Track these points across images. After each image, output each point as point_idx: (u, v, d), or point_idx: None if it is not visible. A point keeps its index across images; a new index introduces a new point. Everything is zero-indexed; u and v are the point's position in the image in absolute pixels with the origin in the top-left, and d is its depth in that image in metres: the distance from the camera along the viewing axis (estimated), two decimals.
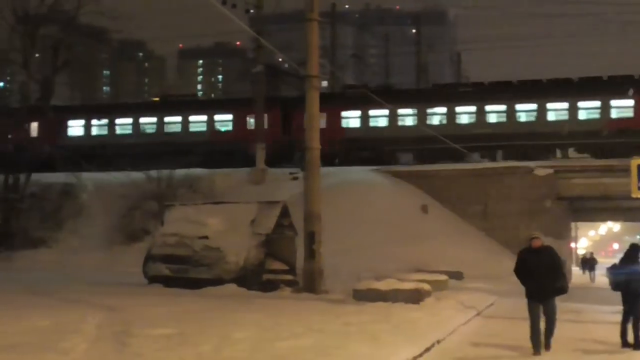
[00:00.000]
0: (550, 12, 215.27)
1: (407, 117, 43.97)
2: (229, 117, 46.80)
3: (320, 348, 12.01)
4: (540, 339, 13.38)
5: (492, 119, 42.83)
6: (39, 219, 41.47)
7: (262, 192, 37.06)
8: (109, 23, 45.05)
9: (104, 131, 48.19)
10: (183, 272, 23.66)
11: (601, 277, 45.12)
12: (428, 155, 41.87)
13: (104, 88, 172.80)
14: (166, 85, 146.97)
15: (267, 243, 23.38)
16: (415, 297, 18.82)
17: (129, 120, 48.15)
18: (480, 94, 43.08)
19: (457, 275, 28.78)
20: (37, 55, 47.29)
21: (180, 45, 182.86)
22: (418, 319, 15.98)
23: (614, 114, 40.77)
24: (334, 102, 43.59)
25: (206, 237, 23.67)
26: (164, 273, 24.07)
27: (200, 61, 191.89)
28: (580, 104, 41.24)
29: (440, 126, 42.31)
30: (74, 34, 45.62)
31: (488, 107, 42.56)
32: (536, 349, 13.29)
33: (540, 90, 42.48)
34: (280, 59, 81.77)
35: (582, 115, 41.20)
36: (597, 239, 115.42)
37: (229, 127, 46.65)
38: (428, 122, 42.89)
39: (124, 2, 45.50)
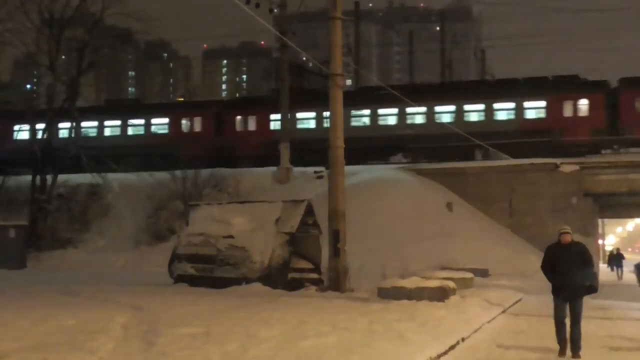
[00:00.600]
0: (578, 7, 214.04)
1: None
2: (165, 120, 48.09)
3: (346, 346, 12.02)
4: (567, 340, 12.84)
5: (415, 120, 44.15)
6: (66, 219, 41.84)
7: (286, 191, 37.13)
8: (134, 24, 45.39)
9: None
10: (208, 272, 23.74)
11: (629, 274, 44.90)
12: (356, 155, 42.23)
13: (130, 89, 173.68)
14: (191, 85, 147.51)
15: (292, 242, 23.40)
16: (440, 294, 18.78)
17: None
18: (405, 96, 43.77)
19: (482, 273, 28.68)
20: (63, 57, 47.61)
21: (205, 45, 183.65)
22: (443, 317, 15.95)
23: (527, 115, 42.51)
24: (265, 105, 45.85)
25: (231, 237, 23.72)
26: (190, 272, 24.17)
27: (225, 61, 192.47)
28: (496, 105, 42.58)
29: (365, 127, 44.05)
30: (99, 36, 45.93)
31: (409, 110, 43.27)
32: (562, 350, 12.84)
33: (459, 92, 43.91)
34: (304, 58, 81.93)
35: (498, 116, 42.67)
36: (624, 236, 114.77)
37: (165, 130, 47.88)
38: (355, 123, 44.08)
39: (149, 3, 45.67)
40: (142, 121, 48.85)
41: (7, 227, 37.77)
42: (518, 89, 42.23)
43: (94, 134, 48.98)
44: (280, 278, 22.95)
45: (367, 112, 45.01)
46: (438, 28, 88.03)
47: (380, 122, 44.90)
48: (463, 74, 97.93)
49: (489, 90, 42.76)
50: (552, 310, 13.19)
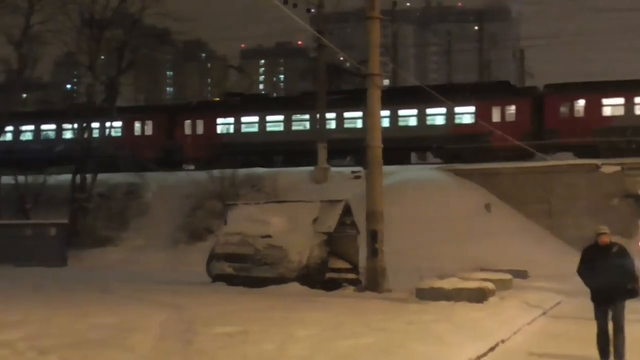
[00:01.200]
0: (618, 7, 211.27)
1: (277, 123, 46.47)
2: (119, 124, 48.41)
3: (383, 347, 12.00)
4: (609, 347, 12.05)
5: (349, 124, 44.97)
6: (105, 218, 42.17)
7: (324, 191, 37.12)
8: (172, 25, 45.65)
9: None
10: (246, 271, 23.79)
11: None
12: (296, 159, 43.83)
13: (168, 89, 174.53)
14: (229, 85, 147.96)
15: (329, 242, 23.39)
16: (478, 296, 18.68)
17: None
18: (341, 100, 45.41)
19: (521, 274, 28.45)
20: (102, 57, 48.00)
21: (242, 45, 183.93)
22: (482, 318, 15.85)
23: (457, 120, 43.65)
24: (212, 110, 47.44)
25: (269, 236, 23.76)
26: (227, 272, 24.23)
27: (262, 61, 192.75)
28: (429, 110, 43.37)
29: (305, 131, 45.07)
30: (138, 36, 46.24)
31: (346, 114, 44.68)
32: (603, 358, 12.09)
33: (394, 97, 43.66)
34: (341, 58, 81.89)
35: (430, 121, 43.66)
36: None
37: (119, 133, 48.32)
38: (295, 127, 45.70)
39: (187, 3, 45.95)
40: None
41: (48, 226, 38.18)
42: (450, 95, 41.78)
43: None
44: (318, 278, 22.95)
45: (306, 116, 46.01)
46: (476, 28, 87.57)
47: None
48: (501, 74, 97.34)
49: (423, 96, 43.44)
50: (593, 314, 12.40)
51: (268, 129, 46.21)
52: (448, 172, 40.63)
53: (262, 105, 47.97)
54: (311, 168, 41.72)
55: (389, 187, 28.26)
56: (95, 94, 45.98)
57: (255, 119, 46.41)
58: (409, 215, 35.22)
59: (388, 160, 39.95)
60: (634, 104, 41.62)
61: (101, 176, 42.68)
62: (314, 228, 23.47)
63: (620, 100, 41.83)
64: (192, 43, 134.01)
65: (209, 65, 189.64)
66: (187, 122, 47.60)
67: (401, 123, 43.52)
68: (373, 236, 22.71)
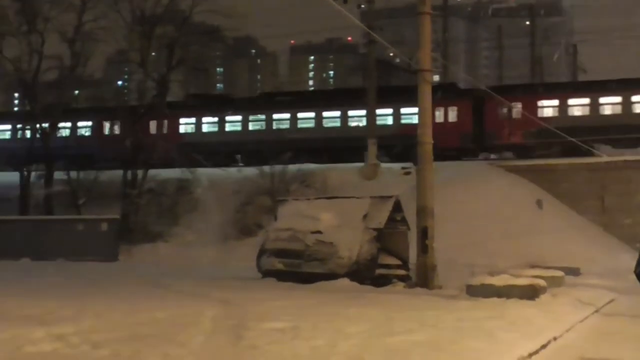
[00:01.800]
0: None
1: (236, 123, 48.33)
2: (89, 123, 49.96)
3: (434, 343, 11.93)
4: None
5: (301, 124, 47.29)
6: (156, 213, 42.48)
7: (374, 187, 37.03)
8: (222, 21, 45.87)
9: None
10: (296, 267, 23.82)
11: None
12: (253, 157, 44.09)
13: (218, 85, 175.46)
14: (278, 82, 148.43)
15: (379, 238, 23.35)
16: (530, 293, 18.51)
17: None
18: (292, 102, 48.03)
19: (573, 272, 28.16)
20: (153, 54, 48.39)
21: (292, 41, 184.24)
22: (533, 315, 15.71)
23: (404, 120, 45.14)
24: (174, 109, 47.62)
25: (319, 232, 23.77)
26: (277, 267, 24.29)
27: (312, 57, 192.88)
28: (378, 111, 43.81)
29: (261, 131, 46.94)
30: (188, 33, 46.52)
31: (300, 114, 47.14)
32: None
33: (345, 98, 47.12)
34: (391, 54, 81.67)
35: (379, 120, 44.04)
36: None
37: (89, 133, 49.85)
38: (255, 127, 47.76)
39: (237, 0, 46.19)
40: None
41: (99, 221, 38.61)
42: (397, 96, 43.68)
43: None
44: (368, 274, 22.93)
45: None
46: (528, 23, 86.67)
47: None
48: (554, 69, 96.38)
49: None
50: None
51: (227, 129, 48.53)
52: (499, 168, 40.34)
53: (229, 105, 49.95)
54: (361, 164, 41.66)
55: (440, 183, 28.09)
56: (146, 91, 46.32)
57: (215, 119, 48.43)
58: (459, 211, 35.02)
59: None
60: (568, 105, 43.36)
61: (152, 172, 43.01)
62: (364, 224, 23.45)
63: (555, 102, 43.99)
64: (242, 39, 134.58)
65: (258, 61, 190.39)
66: (152, 123, 48.19)
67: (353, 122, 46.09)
68: (423, 232, 22.61)
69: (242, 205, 40.96)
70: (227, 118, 48.36)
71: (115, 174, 43.34)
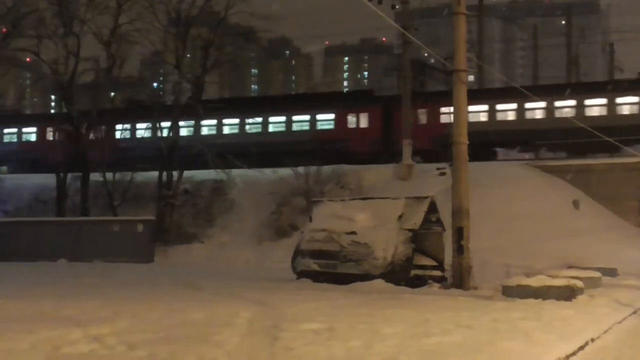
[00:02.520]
0: None
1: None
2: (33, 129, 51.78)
3: (470, 344, 11.87)
4: None
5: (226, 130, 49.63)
6: (191, 215, 42.65)
7: (408, 187, 36.92)
8: (257, 23, 45.96)
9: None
10: (331, 268, 23.83)
11: None
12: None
13: (253, 86, 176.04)
14: (313, 82, 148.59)
15: (414, 239, 23.29)
16: (567, 294, 18.37)
17: None
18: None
19: (610, 273, 27.85)
20: (188, 55, 48.60)
21: (327, 42, 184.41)
22: (570, 317, 15.58)
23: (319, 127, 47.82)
24: (114, 117, 49.05)
25: (354, 233, 23.75)
26: (313, 268, 24.31)
27: (346, 58, 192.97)
28: (295, 117, 47.65)
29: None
30: (223, 34, 46.65)
31: (225, 120, 49.26)
32: None
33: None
34: (426, 54, 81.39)
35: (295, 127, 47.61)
36: None
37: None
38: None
39: (272, 1, 46.31)
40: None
41: (135, 222, 38.84)
42: (314, 103, 46.39)
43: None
44: (403, 275, 22.88)
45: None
46: (564, 22, 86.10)
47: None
48: (590, 69, 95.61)
49: (290, 103, 46.93)
50: None
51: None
52: (535, 168, 40.10)
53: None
54: (395, 165, 41.58)
55: (475, 184, 27.95)
56: (182, 92, 46.49)
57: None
58: (495, 212, 34.82)
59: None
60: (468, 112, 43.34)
61: (187, 173, 43.17)
62: (399, 225, 23.39)
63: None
64: (277, 40, 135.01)
65: (293, 62, 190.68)
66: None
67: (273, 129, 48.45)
68: (459, 233, 22.52)
69: (277, 206, 41.00)
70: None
71: (150, 176, 43.57)
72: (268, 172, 42.67)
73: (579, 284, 19.12)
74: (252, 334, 12.64)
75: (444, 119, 43.90)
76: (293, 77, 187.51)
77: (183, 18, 44.46)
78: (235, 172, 43.11)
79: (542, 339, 12.66)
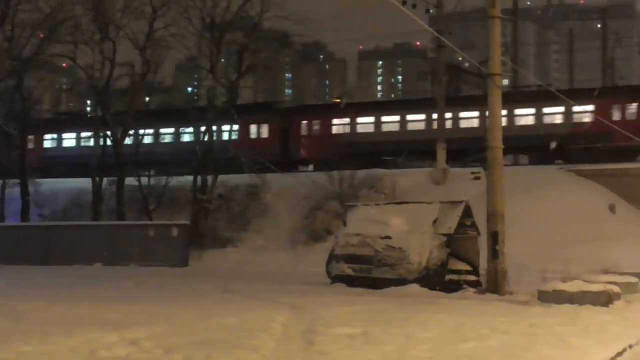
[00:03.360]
0: None
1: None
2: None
3: (506, 350, 11.80)
4: None
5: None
6: (226, 219, 42.81)
7: (443, 192, 36.82)
8: (292, 27, 46.08)
9: None
10: (366, 272, 23.81)
11: None
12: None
13: (287, 91, 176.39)
14: (347, 87, 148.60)
15: (449, 243, 23.21)
16: (604, 299, 18.20)
17: None
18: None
19: None
20: (222, 60, 48.83)
21: (360, 47, 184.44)
22: (608, 322, 15.44)
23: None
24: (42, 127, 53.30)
25: (389, 237, 23.72)
26: (347, 273, 24.30)
27: (380, 62, 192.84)
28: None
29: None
30: (258, 39, 46.81)
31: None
32: None
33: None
34: (460, 58, 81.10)
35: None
36: None
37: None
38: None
39: (306, 6, 46.38)
40: None
41: (170, 226, 39.02)
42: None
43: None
44: (438, 280, 22.81)
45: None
46: (599, 26, 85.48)
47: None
48: (626, 72, 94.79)
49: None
50: None
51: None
52: (570, 173, 39.83)
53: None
54: (430, 169, 41.48)
55: (510, 188, 27.82)
56: (216, 97, 46.71)
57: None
58: (530, 216, 34.64)
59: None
60: (357, 123, 48.94)
61: (221, 178, 43.34)
62: (434, 229, 23.33)
63: (347, 121, 49.23)
64: (311, 45, 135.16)
65: (327, 67, 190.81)
66: (30, 137, 51.02)
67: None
68: (494, 238, 22.41)
69: (312, 210, 41.03)
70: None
71: (185, 180, 43.80)
72: (302, 176, 42.71)
73: (616, 289, 18.94)
74: (287, 339, 12.66)
75: (336, 130, 49.07)
76: (327, 82, 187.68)
77: (218, 23, 44.69)
78: (270, 176, 43.22)
79: (580, 344, 12.56)
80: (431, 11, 41.56)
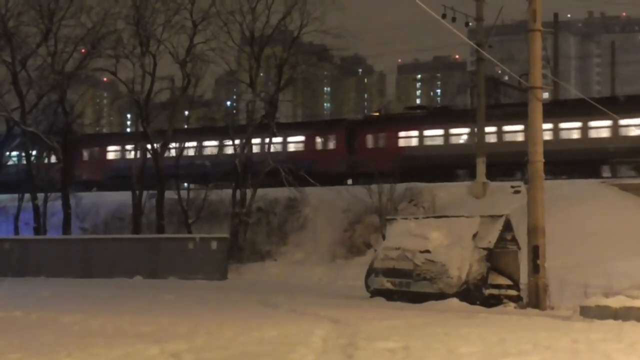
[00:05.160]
0: None
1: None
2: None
3: None
4: None
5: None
6: (265, 232, 42.87)
7: (483, 205, 36.60)
8: (331, 41, 46.12)
9: None
10: (405, 286, 23.72)
11: None
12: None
13: (325, 104, 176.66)
14: (386, 100, 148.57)
15: (489, 257, 23.05)
16: None
17: None
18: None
19: None
20: (261, 74, 49.00)
21: (399, 60, 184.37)
22: None
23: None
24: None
25: (428, 251, 23.61)
26: (386, 287, 24.22)
27: (419, 75, 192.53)
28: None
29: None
30: (297, 53, 46.96)
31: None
32: None
33: None
34: (500, 71, 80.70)
35: None
36: None
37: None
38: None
39: (345, 20, 46.38)
40: None
41: (209, 239, 39.14)
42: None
43: None
44: (478, 294, 22.66)
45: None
46: None
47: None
48: None
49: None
50: None
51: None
52: (612, 187, 39.40)
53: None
54: (469, 183, 41.26)
55: (550, 202, 27.59)
56: (256, 111, 46.87)
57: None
58: (571, 230, 34.28)
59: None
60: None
61: (260, 191, 43.43)
62: (473, 243, 23.19)
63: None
64: (350, 58, 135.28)
65: (365, 80, 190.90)
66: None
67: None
68: (535, 252, 22.24)
69: (351, 224, 40.98)
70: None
71: (224, 193, 43.95)
72: (341, 189, 42.67)
73: None
74: (327, 352, 12.61)
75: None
76: (365, 95, 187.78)
77: (257, 37, 44.92)
78: (309, 189, 43.23)
79: None
80: (470, 24, 41.44)
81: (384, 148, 48.79)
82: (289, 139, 50.59)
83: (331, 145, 50.66)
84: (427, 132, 48.67)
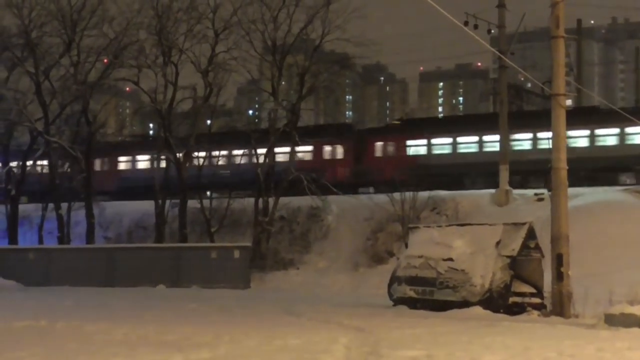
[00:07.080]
0: None
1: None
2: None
3: None
4: None
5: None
6: (287, 241, 42.92)
7: (506, 213, 36.49)
8: (352, 49, 46.16)
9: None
10: (428, 294, 23.63)
11: None
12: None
13: (347, 113, 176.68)
14: (408, 108, 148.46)
15: (513, 265, 22.93)
16: None
17: None
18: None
19: None
20: (283, 83, 49.08)
21: (421, 68, 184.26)
22: None
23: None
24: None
25: (451, 259, 23.51)
26: (409, 295, 24.14)
27: (441, 83, 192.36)
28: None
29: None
30: (318, 62, 47.00)
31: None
32: None
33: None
34: (522, 78, 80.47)
35: None
36: None
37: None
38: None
39: (367, 28, 46.43)
40: None
41: (232, 248, 39.25)
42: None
43: None
44: (501, 302, 22.53)
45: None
46: None
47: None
48: None
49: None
50: None
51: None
52: (636, 194, 39.17)
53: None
54: (492, 190, 41.11)
55: (574, 210, 27.51)
56: (278, 119, 46.96)
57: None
58: (595, 238, 34.11)
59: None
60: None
61: (283, 199, 43.48)
62: (497, 251, 23.08)
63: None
64: (372, 67, 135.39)
65: (387, 88, 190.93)
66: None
67: None
68: (558, 260, 22.13)
69: (373, 232, 40.96)
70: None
71: (247, 202, 44.01)
72: (363, 197, 42.65)
73: None
74: None
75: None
76: (387, 103, 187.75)
77: (279, 46, 45.02)
78: (331, 198, 43.24)
79: None
80: (492, 31, 41.37)
81: (392, 157, 49.07)
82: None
83: (339, 154, 51.13)
84: (435, 141, 48.85)
